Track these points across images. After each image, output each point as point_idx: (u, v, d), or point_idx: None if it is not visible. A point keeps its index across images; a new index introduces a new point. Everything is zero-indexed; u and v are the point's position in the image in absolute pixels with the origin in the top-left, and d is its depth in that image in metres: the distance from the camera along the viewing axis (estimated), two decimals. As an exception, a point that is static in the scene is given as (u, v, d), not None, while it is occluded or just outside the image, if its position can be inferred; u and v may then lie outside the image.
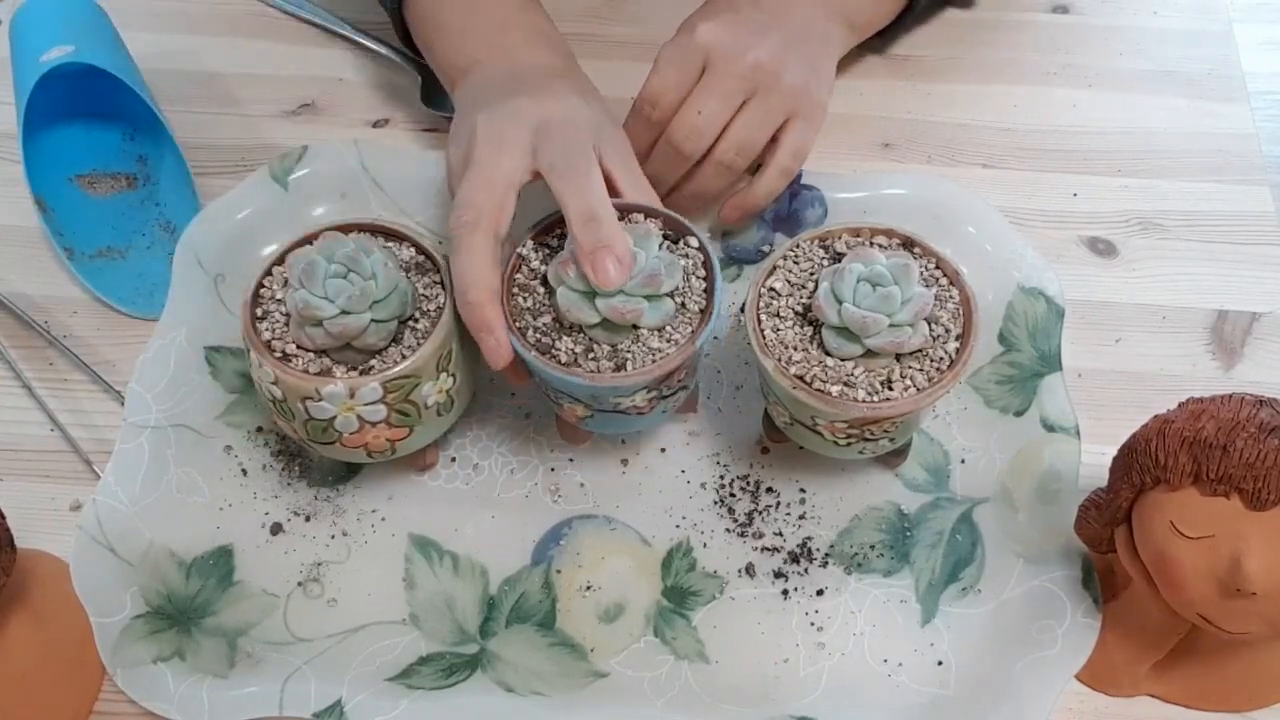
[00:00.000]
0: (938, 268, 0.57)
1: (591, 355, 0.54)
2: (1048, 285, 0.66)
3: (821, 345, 0.55)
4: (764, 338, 0.55)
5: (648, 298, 0.54)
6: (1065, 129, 0.78)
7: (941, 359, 0.55)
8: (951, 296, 0.56)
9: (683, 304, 0.56)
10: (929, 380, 0.54)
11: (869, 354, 0.54)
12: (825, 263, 0.58)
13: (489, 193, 0.56)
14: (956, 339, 0.55)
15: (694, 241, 0.58)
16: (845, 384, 0.54)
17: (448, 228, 0.56)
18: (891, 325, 0.53)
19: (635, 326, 0.54)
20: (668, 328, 0.55)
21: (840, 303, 0.54)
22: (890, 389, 0.54)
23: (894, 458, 0.62)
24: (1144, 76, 0.81)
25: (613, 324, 0.54)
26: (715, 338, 0.67)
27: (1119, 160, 0.76)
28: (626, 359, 0.54)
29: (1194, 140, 0.77)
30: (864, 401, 0.53)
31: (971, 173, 0.75)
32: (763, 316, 0.56)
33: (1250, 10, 0.85)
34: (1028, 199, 0.74)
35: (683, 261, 0.57)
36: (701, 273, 0.57)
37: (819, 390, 0.54)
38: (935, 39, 0.83)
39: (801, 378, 0.54)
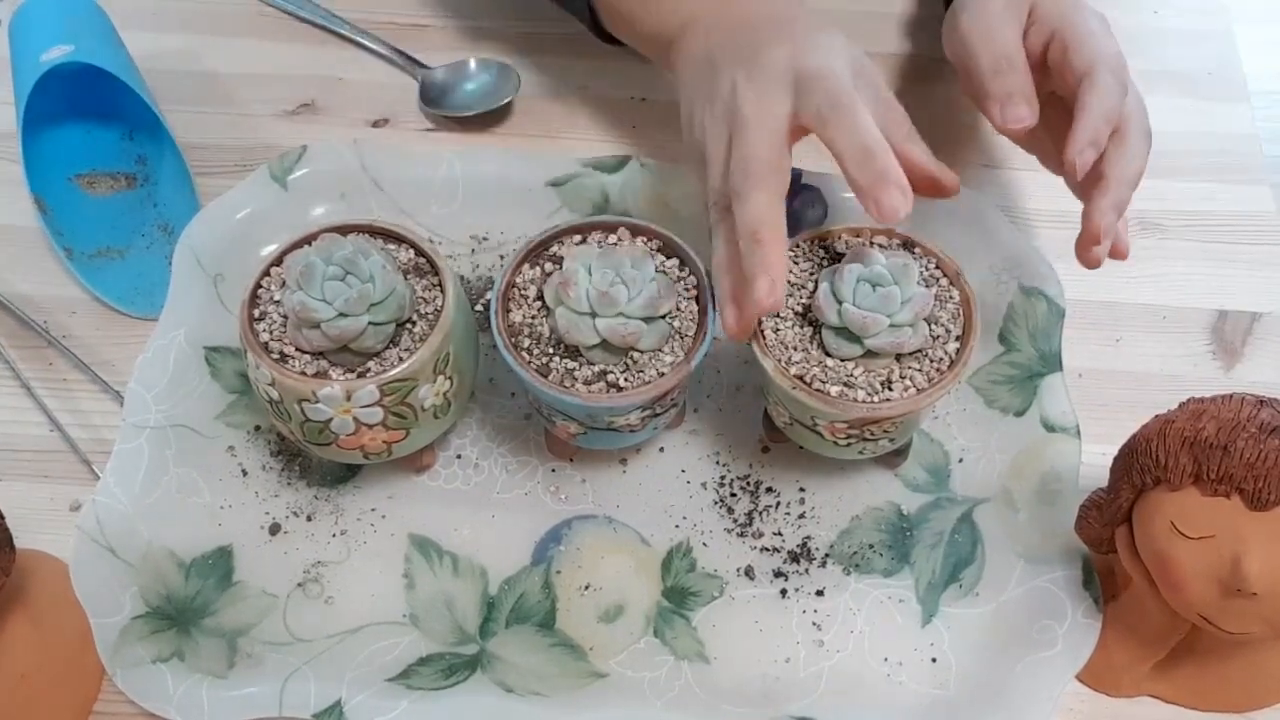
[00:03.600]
0: (938, 268, 0.57)
1: (588, 375, 0.54)
2: (1048, 285, 0.66)
3: (821, 345, 0.55)
4: (764, 338, 0.55)
5: (646, 319, 0.54)
6: (1065, 129, 0.78)
7: (941, 359, 0.55)
8: (952, 297, 0.56)
9: (677, 325, 0.56)
10: (929, 380, 0.54)
11: (869, 354, 0.54)
12: (825, 263, 0.58)
13: (771, 146, 0.54)
14: (956, 339, 0.55)
15: (688, 262, 0.58)
16: (845, 384, 0.54)
17: (733, 175, 0.54)
18: (891, 325, 0.53)
19: (632, 348, 0.55)
20: (663, 349, 0.55)
21: (840, 303, 0.54)
22: (890, 389, 0.54)
23: (894, 458, 0.62)
24: (1144, 76, 0.80)
25: (611, 345, 0.54)
26: (716, 337, 0.67)
27: (1119, 160, 0.76)
28: (623, 379, 0.54)
29: (1194, 140, 0.77)
30: (864, 402, 0.53)
31: (971, 173, 0.75)
32: (762, 317, 0.56)
33: (1250, 10, 0.85)
34: (1028, 199, 0.74)
35: (677, 284, 0.57)
36: (694, 293, 0.57)
37: (818, 391, 0.53)
38: (936, 39, 0.83)
39: (801, 378, 0.54)
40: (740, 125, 0.54)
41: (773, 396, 0.57)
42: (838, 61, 0.55)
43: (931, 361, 0.55)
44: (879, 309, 0.53)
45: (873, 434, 0.56)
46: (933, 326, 0.55)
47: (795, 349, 0.55)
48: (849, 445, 0.57)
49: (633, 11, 0.66)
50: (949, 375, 0.54)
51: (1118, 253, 0.58)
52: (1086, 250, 0.57)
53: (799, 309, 0.56)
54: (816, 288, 0.55)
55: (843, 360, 0.54)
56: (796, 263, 0.58)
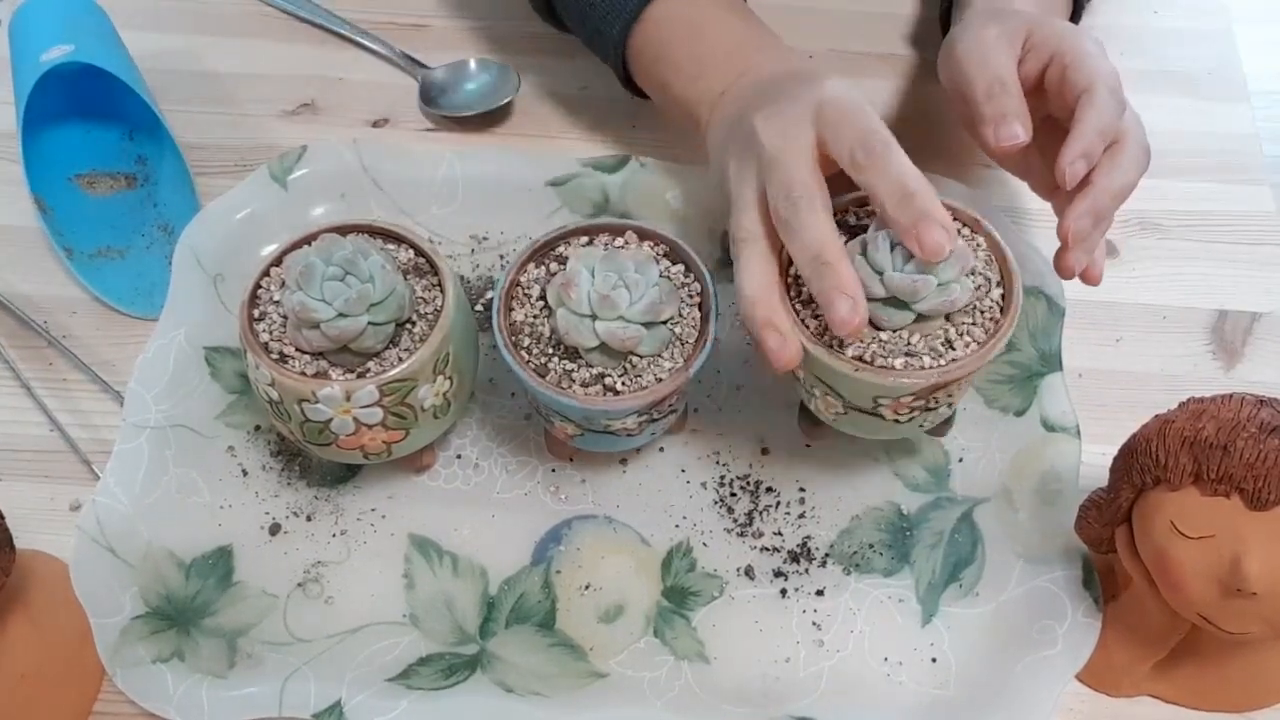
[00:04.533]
0: (956, 219, 0.55)
1: (585, 377, 0.54)
2: (1048, 285, 0.66)
3: (869, 321, 0.52)
4: (808, 326, 0.53)
5: (646, 325, 0.54)
6: (1065, 129, 0.78)
7: (990, 308, 0.53)
8: (979, 245, 0.55)
9: (678, 331, 0.56)
10: (987, 333, 0.53)
11: (919, 319, 0.52)
12: (843, 240, 0.56)
13: (806, 168, 0.53)
14: (998, 284, 0.54)
15: (693, 268, 0.58)
16: (907, 355, 0.52)
17: (777, 208, 0.53)
18: (940, 285, 0.51)
19: (631, 352, 0.54)
20: (662, 354, 0.55)
21: (880, 273, 0.52)
22: (953, 349, 0.52)
23: (945, 426, 0.61)
24: (1144, 76, 0.80)
25: (610, 348, 0.54)
26: (717, 338, 0.67)
27: (1119, 160, 0.76)
28: (620, 383, 0.54)
29: (1194, 140, 0.77)
30: (932, 368, 0.51)
31: (972, 173, 0.75)
32: (798, 306, 0.54)
33: (1250, 10, 0.85)
34: (1028, 199, 0.74)
35: (680, 290, 0.57)
36: (697, 300, 0.57)
37: (884, 367, 0.52)
38: (937, 38, 0.83)
39: (860, 358, 0.52)
40: (768, 161, 0.54)
41: (821, 388, 0.54)
42: (858, 96, 0.55)
43: (982, 313, 0.53)
44: (924, 270, 0.51)
45: (936, 401, 0.53)
46: (973, 277, 0.53)
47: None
48: (910, 420, 0.55)
49: (666, 79, 0.66)
50: (1006, 321, 0.52)
51: (1090, 277, 0.58)
52: (1060, 257, 0.57)
53: None
54: None
55: (895, 331, 0.52)
56: None
